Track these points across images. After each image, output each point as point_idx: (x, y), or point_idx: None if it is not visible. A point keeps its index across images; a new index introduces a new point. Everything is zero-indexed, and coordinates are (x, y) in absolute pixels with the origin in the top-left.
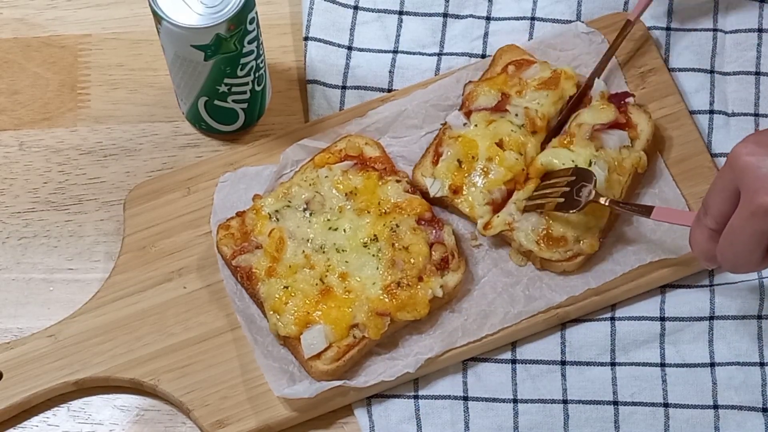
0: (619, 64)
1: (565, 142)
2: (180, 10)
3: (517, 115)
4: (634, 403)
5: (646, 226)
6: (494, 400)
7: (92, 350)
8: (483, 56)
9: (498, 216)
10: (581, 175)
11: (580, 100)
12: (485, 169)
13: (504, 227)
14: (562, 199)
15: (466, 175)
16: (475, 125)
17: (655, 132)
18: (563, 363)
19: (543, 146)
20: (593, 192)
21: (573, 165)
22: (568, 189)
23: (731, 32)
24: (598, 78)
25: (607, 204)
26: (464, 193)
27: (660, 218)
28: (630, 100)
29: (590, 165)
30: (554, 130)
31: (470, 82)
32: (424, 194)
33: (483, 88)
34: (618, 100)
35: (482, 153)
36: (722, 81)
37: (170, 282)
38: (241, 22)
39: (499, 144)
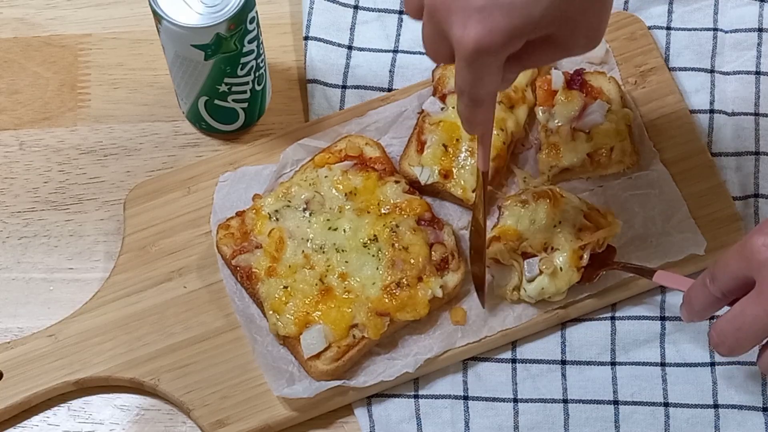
0: (617, 63)
1: (552, 153)
2: (180, 9)
3: None
4: (634, 403)
5: (649, 230)
6: (494, 399)
7: (92, 350)
8: None
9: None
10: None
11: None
12: (471, 150)
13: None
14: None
15: (453, 158)
16: (453, 107)
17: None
18: (563, 362)
19: (530, 113)
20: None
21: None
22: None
23: (731, 32)
24: (555, 69)
25: (617, 268)
26: (454, 176)
27: (661, 281)
28: (583, 71)
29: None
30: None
31: (438, 66)
32: (413, 183)
33: (451, 69)
34: (576, 82)
35: (465, 134)
36: (722, 81)
37: (170, 282)
38: (241, 22)
39: None
